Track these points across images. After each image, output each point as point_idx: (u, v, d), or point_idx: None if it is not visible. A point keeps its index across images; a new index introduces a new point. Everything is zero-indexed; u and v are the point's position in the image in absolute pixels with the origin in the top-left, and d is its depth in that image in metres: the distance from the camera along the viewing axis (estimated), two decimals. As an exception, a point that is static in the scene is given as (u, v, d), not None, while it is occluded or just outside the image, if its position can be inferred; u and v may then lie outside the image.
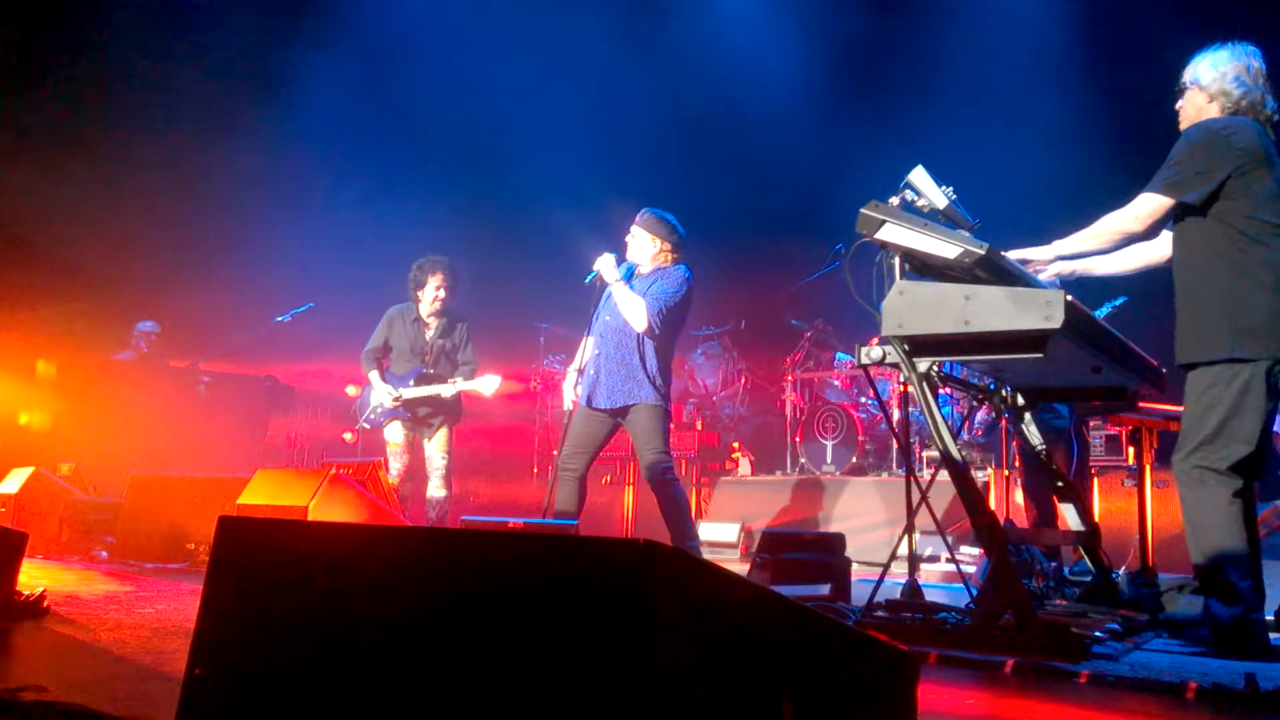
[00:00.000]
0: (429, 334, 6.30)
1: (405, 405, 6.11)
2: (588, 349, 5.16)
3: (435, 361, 6.27)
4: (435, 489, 6.16)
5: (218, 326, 9.47)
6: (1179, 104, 3.62)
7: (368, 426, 6.32)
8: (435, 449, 6.18)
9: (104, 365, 8.48)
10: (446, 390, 6.05)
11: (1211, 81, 3.49)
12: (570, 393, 5.24)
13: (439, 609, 1.35)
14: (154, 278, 9.55)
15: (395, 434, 6.20)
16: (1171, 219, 3.48)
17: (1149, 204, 3.40)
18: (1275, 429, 6.50)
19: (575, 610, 1.22)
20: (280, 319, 8.44)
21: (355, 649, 1.40)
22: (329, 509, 4.68)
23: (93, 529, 5.78)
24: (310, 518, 4.51)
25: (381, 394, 6.14)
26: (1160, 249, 3.76)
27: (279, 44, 10.26)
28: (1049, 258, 3.63)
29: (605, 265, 5.04)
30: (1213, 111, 3.50)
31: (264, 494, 4.88)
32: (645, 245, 5.10)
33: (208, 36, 9.88)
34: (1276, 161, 3.40)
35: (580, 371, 5.13)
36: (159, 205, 9.65)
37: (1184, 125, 3.58)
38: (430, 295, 6.23)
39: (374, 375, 6.24)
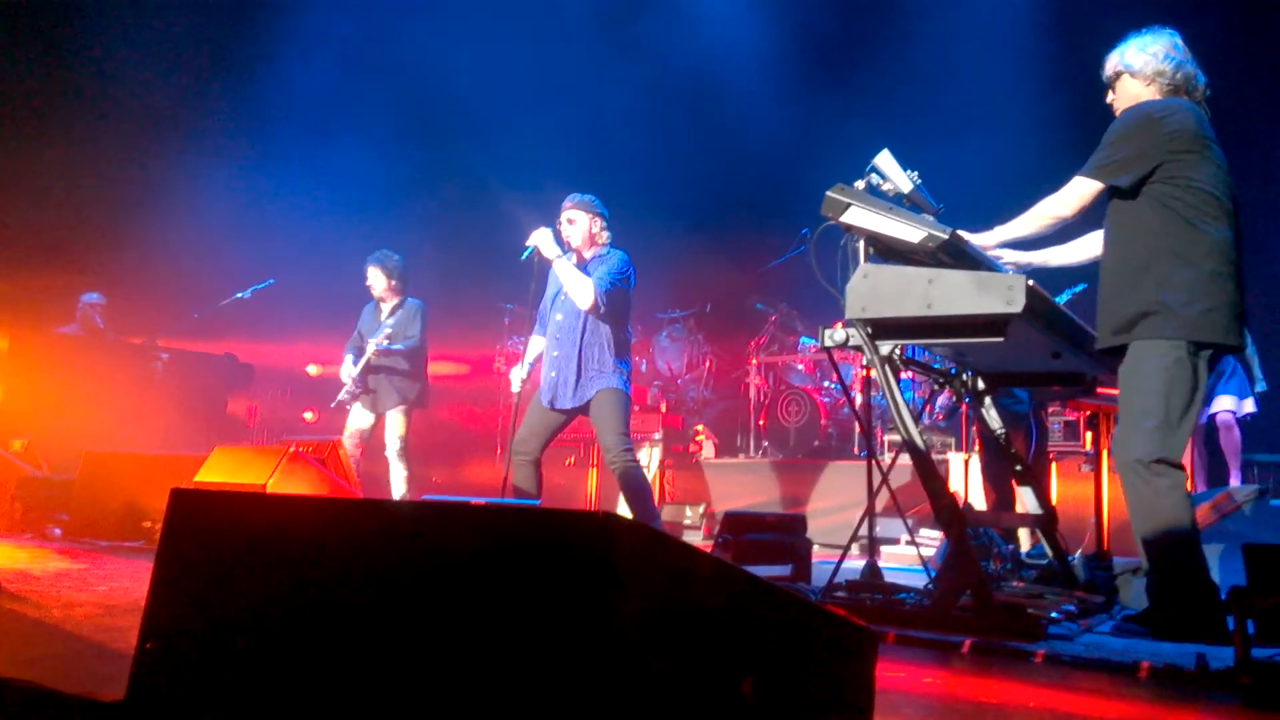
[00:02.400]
0: (382, 317, 6.66)
1: (358, 381, 6.42)
2: (539, 348, 5.13)
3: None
4: (394, 468, 6.43)
5: (176, 302, 9.32)
6: (1110, 97, 3.56)
7: (335, 405, 6.59)
8: (391, 429, 6.47)
9: (57, 340, 8.32)
10: (369, 349, 6.35)
11: (1144, 64, 3.42)
12: (520, 374, 5.21)
13: (397, 583, 1.34)
14: (110, 252, 9.37)
15: (356, 410, 6.54)
16: (1106, 200, 3.40)
17: (1079, 188, 3.36)
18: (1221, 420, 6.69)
19: (535, 582, 1.21)
20: (240, 295, 8.37)
21: (312, 623, 1.38)
22: (287, 487, 4.64)
23: (46, 506, 5.68)
24: (269, 496, 4.46)
25: (346, 375, 6.49)
26: None
27: (243, 13, 10.07)
28: (991, 244, 3.56)
29: (543, 239, 4.91)
30: (1150, 94, 3.43)
31: (221, 471, 4.82)
32: (586, 226, 5.03)
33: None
34: (1212, 144, 3.31)
35: (532, 365, 5.14)
36: (115, 177, 9.46)
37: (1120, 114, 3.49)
38: (375, 285, 6.62)
39: (348, 359, 6.56)
